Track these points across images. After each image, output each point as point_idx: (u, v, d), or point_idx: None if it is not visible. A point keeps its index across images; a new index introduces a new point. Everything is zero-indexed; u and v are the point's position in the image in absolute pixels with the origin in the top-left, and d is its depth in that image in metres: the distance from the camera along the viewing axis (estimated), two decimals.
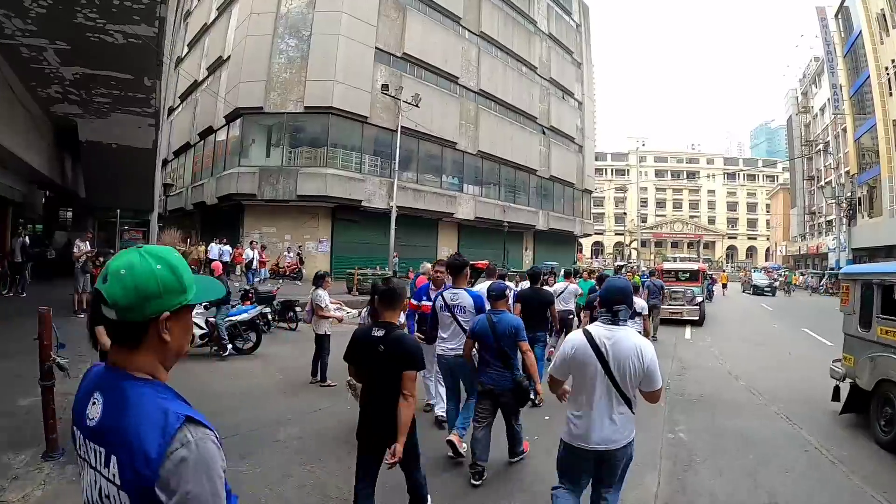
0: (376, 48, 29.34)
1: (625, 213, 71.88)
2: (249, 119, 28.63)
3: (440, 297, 5.56)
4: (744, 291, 40.02)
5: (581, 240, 70.09)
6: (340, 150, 28.54)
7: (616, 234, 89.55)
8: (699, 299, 17.41)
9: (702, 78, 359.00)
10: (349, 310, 10.36)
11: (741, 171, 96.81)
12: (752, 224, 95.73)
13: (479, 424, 4.89)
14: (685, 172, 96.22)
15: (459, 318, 5.38)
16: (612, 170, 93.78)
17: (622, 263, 44.64)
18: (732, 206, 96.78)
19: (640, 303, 8.62)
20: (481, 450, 4.82)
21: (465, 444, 5.20)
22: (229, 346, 10.20)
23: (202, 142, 33.13)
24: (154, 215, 25.84)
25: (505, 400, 4.89)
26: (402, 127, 29.36)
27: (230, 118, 29.25)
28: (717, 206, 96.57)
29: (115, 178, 22.93)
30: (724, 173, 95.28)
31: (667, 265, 21.92)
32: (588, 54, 49.94)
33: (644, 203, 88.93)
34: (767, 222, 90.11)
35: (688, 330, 16.39)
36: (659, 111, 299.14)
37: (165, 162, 41.34)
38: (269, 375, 9.07)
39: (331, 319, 8.89)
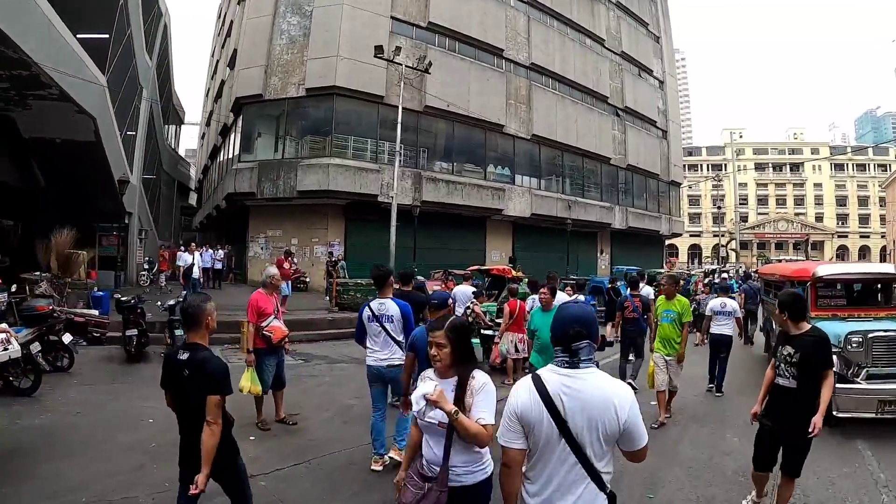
0: (393, 18, 22.25)
1: (719, 208, 59.02)
2: (250, 109, 22.62)
3: (367, 307, 5.01)
4: None
5: (672, 241, 58.85)
6: (351, 138, 21.59)
7: (714, 235, 76.12)
8: None
9: (799, 66, 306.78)
10: (13, 343, 5.53)
11: (850, 160, 79.25)
12: (864, 220, 77.15)
13: None
14: (788, 165, 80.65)
15: (388, 327, 4.89)
16: (707, 165, 79.70)
17: (715, 267, 34.27)
18: (842, 201, 78.24)
19: (732, 304, 8.08)
20: None
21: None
22: None
23: (223, 141, 27.74)
24: (134, 219, 20.39)
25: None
26: (427, 107, 22.22)
27: (235, 111, 23.48)
28: (824, 200, 79.23)
29: (72, 177, 18.18)
30: (832, 164, 78.69)
31: (824, 269, 7.89)
32: (667, 27, 39.62)
33: (744, 200, 74.52)
34: (882, 217, 71.85)
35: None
36: (755, 104, 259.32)
37: (207, 168, 36.94)
38: None
39: None
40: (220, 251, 21.29)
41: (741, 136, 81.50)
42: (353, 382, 7.66)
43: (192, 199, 44.74)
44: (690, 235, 74.78)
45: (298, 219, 21.64)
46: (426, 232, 21.52)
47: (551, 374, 2.12)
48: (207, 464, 2.73)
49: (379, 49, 17.57)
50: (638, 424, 2.06)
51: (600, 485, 2.07)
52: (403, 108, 21.82)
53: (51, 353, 7.84)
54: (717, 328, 7.83)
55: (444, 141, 23.90)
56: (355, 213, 21.34)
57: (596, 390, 2.05)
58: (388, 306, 4.92)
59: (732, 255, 61.58)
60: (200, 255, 20.30)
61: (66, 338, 7.95)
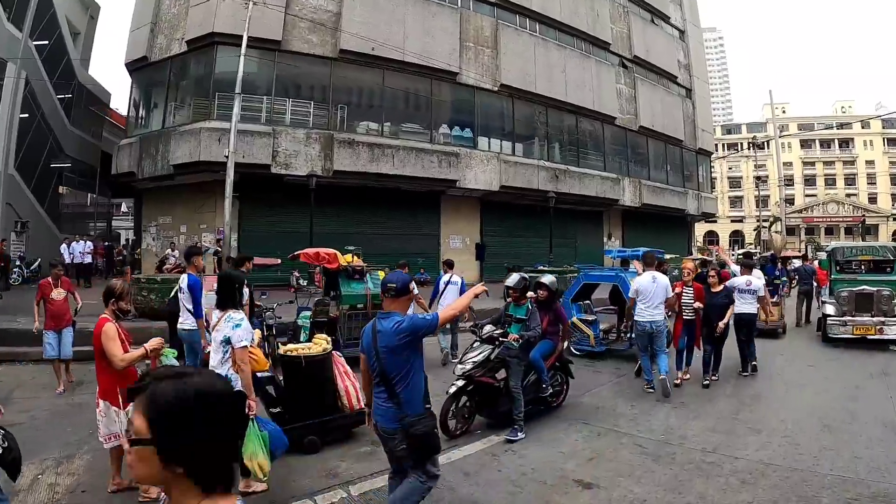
0: None
1: (759, 181, 48.56)
2: (139, 77, 16.72)
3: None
4: None
5: (711, 227, 48.77)
6: (242, 97, 15.05)
7: (757, 220, 64.69)
8: None
9: (844, 41, 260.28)
10: None
11: None
12: None
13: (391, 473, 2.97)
14: (836, 141, 67.56)
15: (180, 296, 5.22)
16: (748, 143, 68.38)
17: (743, 251, 25.14)
18: None
19: (757, 282, 7.11)
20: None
21: None
22: None
23: None
24: None
25: (393, 446, 2.73)
26: (343, 51, 15.30)
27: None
28: (877, 179, 65.86)
29: None
30: (885, 138, 64.59)
31: None
32: None
33: (789, 181, 62.51)
34: None
35: None
36: (798, 80, 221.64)
37: None
38: None
39: None
40: (89, 243, 15.59)
41: (784, 112, 69.01)
42: None
43: None
44: (732, 221, 63.85)
45: (186, 201, 15.36)
46: (341, 212, 14.68)
47: None
48: None
49: None
50: None
51: None
52: (311, 55, 15.26)
53: None
54: (739, 306, 6.60)
55: (372, 95, 16.81)
56: (249, 191, 14.65)
57: None
58: (182, 278, 5.25)
59: (777, 239, 50.60)
60: (70, 247, 14.97)
61: None
